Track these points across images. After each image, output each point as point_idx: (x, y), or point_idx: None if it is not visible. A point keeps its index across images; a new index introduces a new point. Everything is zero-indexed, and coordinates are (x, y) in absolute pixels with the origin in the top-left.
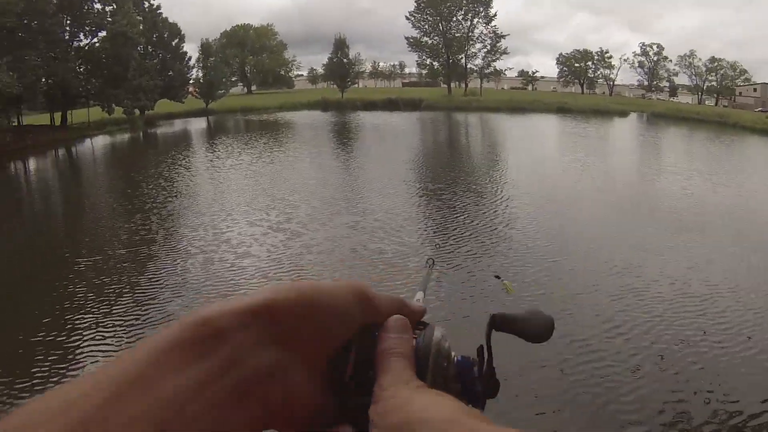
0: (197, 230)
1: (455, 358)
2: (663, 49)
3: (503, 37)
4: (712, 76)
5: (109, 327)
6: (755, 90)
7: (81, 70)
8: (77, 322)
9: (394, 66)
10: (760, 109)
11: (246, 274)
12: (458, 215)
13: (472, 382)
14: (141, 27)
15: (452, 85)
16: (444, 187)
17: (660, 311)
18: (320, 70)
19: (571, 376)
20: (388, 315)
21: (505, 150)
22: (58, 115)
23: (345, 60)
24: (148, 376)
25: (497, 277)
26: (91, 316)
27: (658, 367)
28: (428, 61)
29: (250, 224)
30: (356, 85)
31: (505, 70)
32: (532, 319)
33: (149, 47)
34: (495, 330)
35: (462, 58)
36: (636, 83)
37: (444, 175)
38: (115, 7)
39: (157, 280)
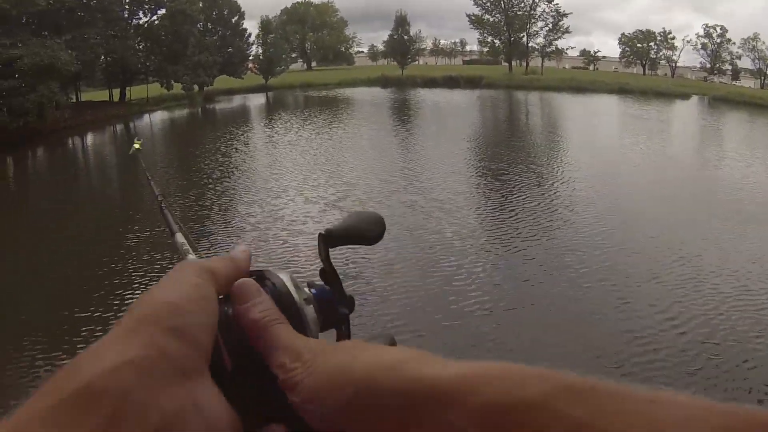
0: (252, 207)
1: (311, 292)
2: (726, 31)
3: (565, 15)
4: None
5: None
6: None
7: (140, 47)
8: (126, 298)
9: (454, 43)
10: None
11: (299, 252)
12: (518, 196)
13: (335, 308)
14: (200, 4)
15: (513, 63)
16: (504, 167)
17: (716, 304)
18: (381, 47)
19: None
20: (229, 281)
21: (566, 130)
22: (116, 92)
23: (406, 37)
24: None
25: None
26: (139, 292)
27: (714, 363)
28: (489, 38)
29: (306, 201)
30: (416, 62)
31: (567, 49)
32: (362, 224)
33: (209, 24)
34: (331, 247)
35: (523, 36)
36: (698, 65)
37: (504, 154)
38: None
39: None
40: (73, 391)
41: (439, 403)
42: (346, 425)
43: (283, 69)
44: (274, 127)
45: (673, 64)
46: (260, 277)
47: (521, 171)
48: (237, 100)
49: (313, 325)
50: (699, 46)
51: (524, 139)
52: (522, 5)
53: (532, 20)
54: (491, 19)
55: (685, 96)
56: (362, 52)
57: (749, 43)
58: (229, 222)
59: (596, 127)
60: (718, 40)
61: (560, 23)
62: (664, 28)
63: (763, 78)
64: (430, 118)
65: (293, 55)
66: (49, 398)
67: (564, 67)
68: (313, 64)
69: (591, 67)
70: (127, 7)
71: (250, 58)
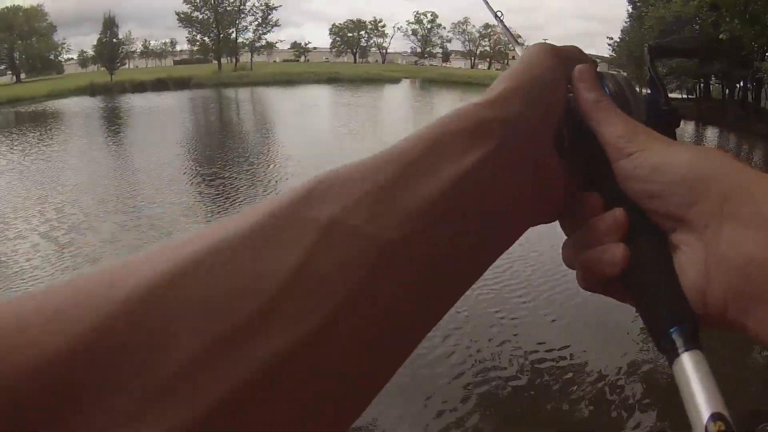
0: None
1: (644, 95)
2: (437, 17)
3: (275, 8)
4: (485, 41)
5: None
6: None
7: None
8: None
9: (165, 44)
10: None
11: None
12: (234, 200)
13: (662, 115)
14: None
15: (223, 60)
16: (218, 171)
17: None
18: (91, 52)
19: None
20: (572, 66)
21: (277, 125)
22: None
23: (114, 40)
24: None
25: None
26: None
27: None
28: (199, 36)
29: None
30: (126, 66)
31: (277, 42)
32: (683, 37)
33: None
34: (655, 58)
35: (233, 32)
36: (409, 50)
37: (218, 157)
38: None
39: None
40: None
41: None
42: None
43: None
44: None
45: (384, 51)
46: (597, 74)
47: (236, 173)
48: None
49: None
50: (410, 32)
51: (236, 138)
52: (232, 1)
53: (242, 15)
54: (200, 17)
55: (396, 80)
56: (72, 59)
57: (459, 26)
58: None
59: (306, 119)
60: (429, 26)
61: (269, 17)
62: (374, 17)
63: (473, 58)
64: (140, 125)
65: (2, 67)
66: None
67: (275, 61)
68: (23, 75)
69: (302, 59)
70: None
71: None
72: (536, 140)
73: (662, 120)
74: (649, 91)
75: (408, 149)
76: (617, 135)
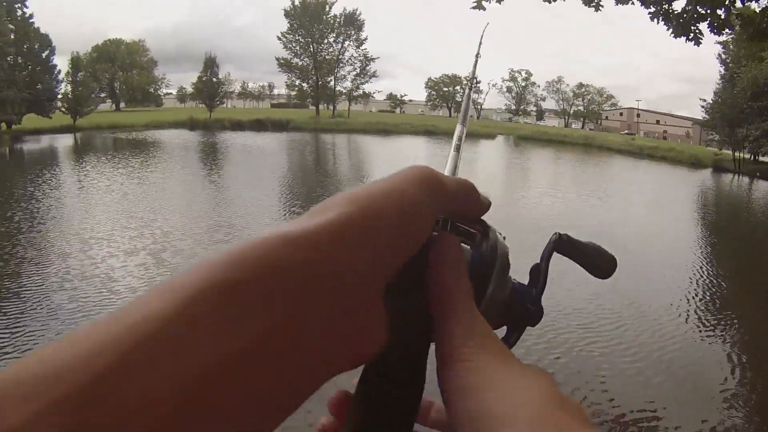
0: (68, 260)
1: (513, 282)
2: (531, 74)
3: (373, 60)
4: (579, 101)
5: None
6: (621, 114)
7: None
8: None
9: (263, 87)
10: (626, 131)
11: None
12: None
13: (523, 307)
14: (12, 36)
15: (321, 106)
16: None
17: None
18: (189, 89)
19: None
20: (456, 204)
21: (373, 170)
22: None
23: (214, 79)
24: (180, 333)
25: None
26: None
27: None
28: (297, 82)
29: (127, 254)
30: (224, 105)
31: (374, 93)
32: (596, 251)
33: (18, 58)
34: (557, 252)
35: (331, 80)
36: (503, 107)
37: (315, 196)
38: None
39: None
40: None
41: None
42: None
43: (91, 109)
44: (83, 171)
45: (479, 107)
46: (478, 224)
47: None
48: (45, 140)
49: (495, 314)
50: (504, 89)
51: (332, 180)
52: (331, 50)
53: (340, 64)
54: (300, 63)
55: (491, 136)
56: (171, 93)
57: (553, 85)
58: (42, 279)
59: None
60: (523, 84)
61: (367, 68)
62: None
63: (567, 117)
64: (238, 162)
65: (102, 95)
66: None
67: (371, 111)
68: (122, 104)
69: (398, 111)
70: None
71: (59, 96)
72: (356, 295)
73: (518, 316)
74: (528, 278)
75: (148, 321)
76: (452, 332)
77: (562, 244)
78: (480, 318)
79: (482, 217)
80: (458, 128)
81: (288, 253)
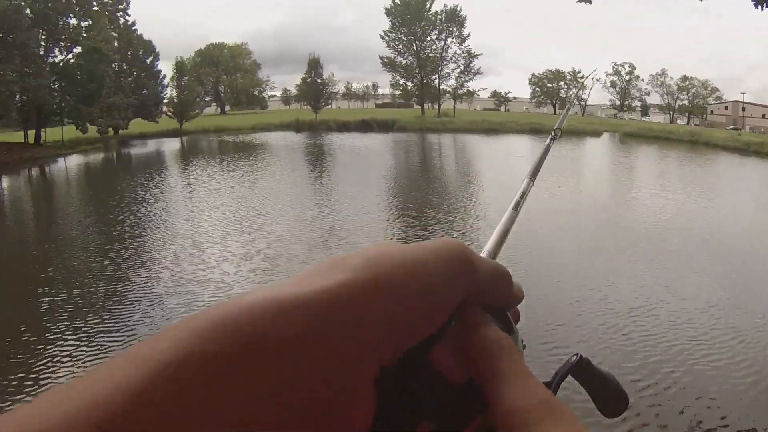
0: (181, 263)
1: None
2: (635, 68)
3: (476, 57)
4: (683, 95)
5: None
6: (726, 108)
7: (55, 86)
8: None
9: (367, 87)
10: (731, 126)
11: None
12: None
13: None
14: (116, 43)
15: (425, 106)
16: (420, 213)
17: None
18: (294, 91)
19: None
20: (485, 293)
21: (479, 171)
22: (32, 133)
23: (318, 80)
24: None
25: None
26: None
27: None
28: (402, 81)
29: (240, 260)
30: (329, 106)
31: (479, 90)
32: (613, 387)
33: (124, 64)
34: (572, 375)
35: (435, 78)
36: (608, 103)
37: (421, 198)
38: (90, 22)
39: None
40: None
41: None
42: None
43: (197, 113)
44: (192, 174)
45: (584, 103)
46: (504, 327)
47: (437, 214)
48: (152, 145)
49: None
50: (608, 84)
51: (441, 183)
52: (434, 47)
53: (444, 62)
54: (404, 62)
55: (597, 133)
56: (275, 96)
57: (657, 79)
58: (151, 284)
59: (509, 168)
60: (627, 78)
61: (471, 65)
62: (573, 67)
63: (672, 113)
64: (348, 163)
65: (207, 99)
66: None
67: (475, 109)
68: (227, 108)
69: (502, 108)
70: (43, 43)
71: (165, 101)
72: (344, 377)
73: None
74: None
75: (113, 394)
76: (507, 394)
77: (581, 370)
78: (534, 377)
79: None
80: (524, 182)
81: (276, 326)
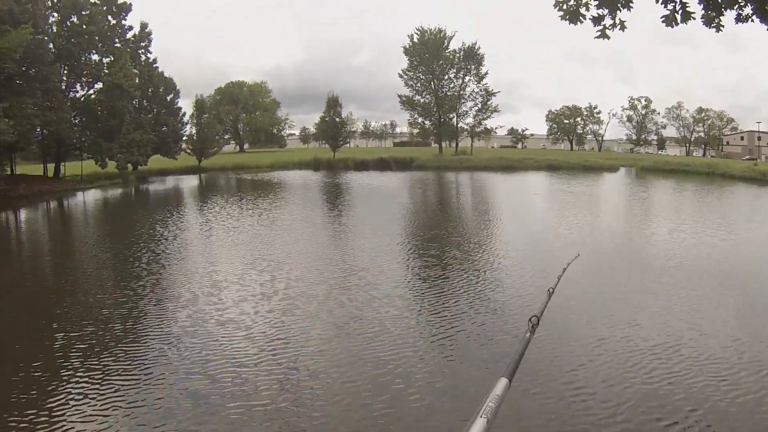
0: (197, 303)
1: None
2: (651, 102)
3: (494, 94)
4: (699, 126)
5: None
6: (742, 138)
7: (76, 121)
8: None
9: (385, 125)
10: (747, 157)
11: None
12: (457, 281)
13: None
14: (137, 80)
15: (443, 144)
16: (437, 252)
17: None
18: (312, 129)
19: None
20: None
21: (496, 210)
22: (51, 166)
23: (337, 119)
24: None
25: None
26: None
27: None
28: (420, 119)
29: (259, 300)
30: (348, 145)
31: (496, 128)
32: None
33: (144, 101)
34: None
35: (453, 116)
36: (624, 137)
37: (438, 237)
38: (112, 58)
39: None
40: None
41: None
42: None
43: (216, 150)
44: (211, 211)
45: (600, 138)
46: None
47: (452, 255)
48: (170, 181)
49: None
50: (624, 119)
51: (459, 220)
52: (452, 86)
53: (462, 100)
54: (422, 100)
55: (613, 168)
56: (294, 134)
57: (673, 111)
58: (168, 323)
59: (525, 205)
60: (643, 111)
61: (489, 102)
62: (590, 102)
63: (688, 145)
64: (364, 202)
65: (226, 136)
66: None
67: (492, 147)
68: (246, 145)
69: (519, 146)
70: (65, 78)
71: (184, 138)
72: None
73: None
74: None
75: None
76: None
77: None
78: None
79: None
80: (500, 384)
81: None
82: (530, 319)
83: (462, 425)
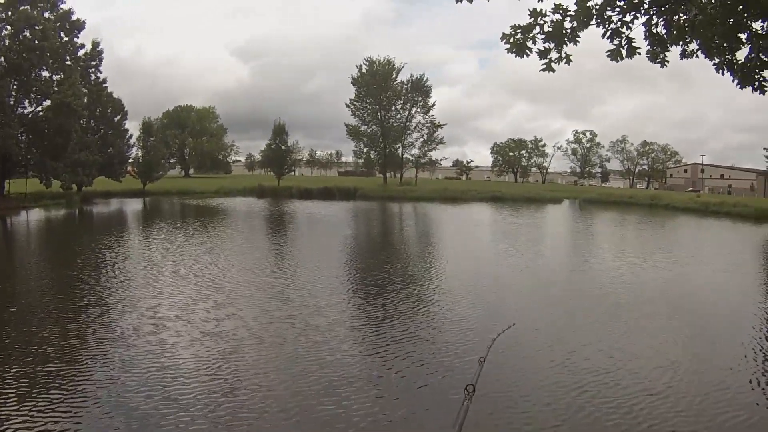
0: (133, 346)
1: None
2: (596, 135)
3: (440, 126)
4: (643, 159)
5: None
6: (685, 171)
7: (22, 138)
8: None
9: (330, 155)
10: (690, 189)
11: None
12: (397, 312)
13: None
14: (86, 99)
15: (388, 174)
16: (380, 281)
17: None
18: (258, 156)
19: None
20: None
21: (439, 241)
22: None
23: (283, 147)
24: None
25: None
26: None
27: None
28: (365, 150)
29: (199, 336)
30: (293, 173)
31: (441, 159)
32: None
33: (91, 121)
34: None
35: (399, 147)
36: (568, 170)
37: (379, 268)
38: (62, 76)
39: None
40: None
41: None
42: None
43: (161, 174)
44: (154, 237)
45: (544, 170)
46: None
47: (408, 283)
48: (114, 204)
49: None
50: (569, 152)
51: (402, 251)
52: (398, 117)
53: (408, 131)
54: (368, 131)
55: (557, 200)
56: (239, 161)
57: (618, 145)
58: (109, 364)
59: (467, 237)
60: (588, 145)
61: (435, 134)
62: (535, 136)
63: (631, 177)
64: (307, 231)
65: (172, 161)
66: None
67: (437, 177)
68: (191, 170)
69: (464, 177)
70: (13, 93)
71: (130, 160)
72: None
73: None
74: None
75: None
76: None
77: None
78: None
79: None
80: None
81: None
82: (466, 388)
83: None
